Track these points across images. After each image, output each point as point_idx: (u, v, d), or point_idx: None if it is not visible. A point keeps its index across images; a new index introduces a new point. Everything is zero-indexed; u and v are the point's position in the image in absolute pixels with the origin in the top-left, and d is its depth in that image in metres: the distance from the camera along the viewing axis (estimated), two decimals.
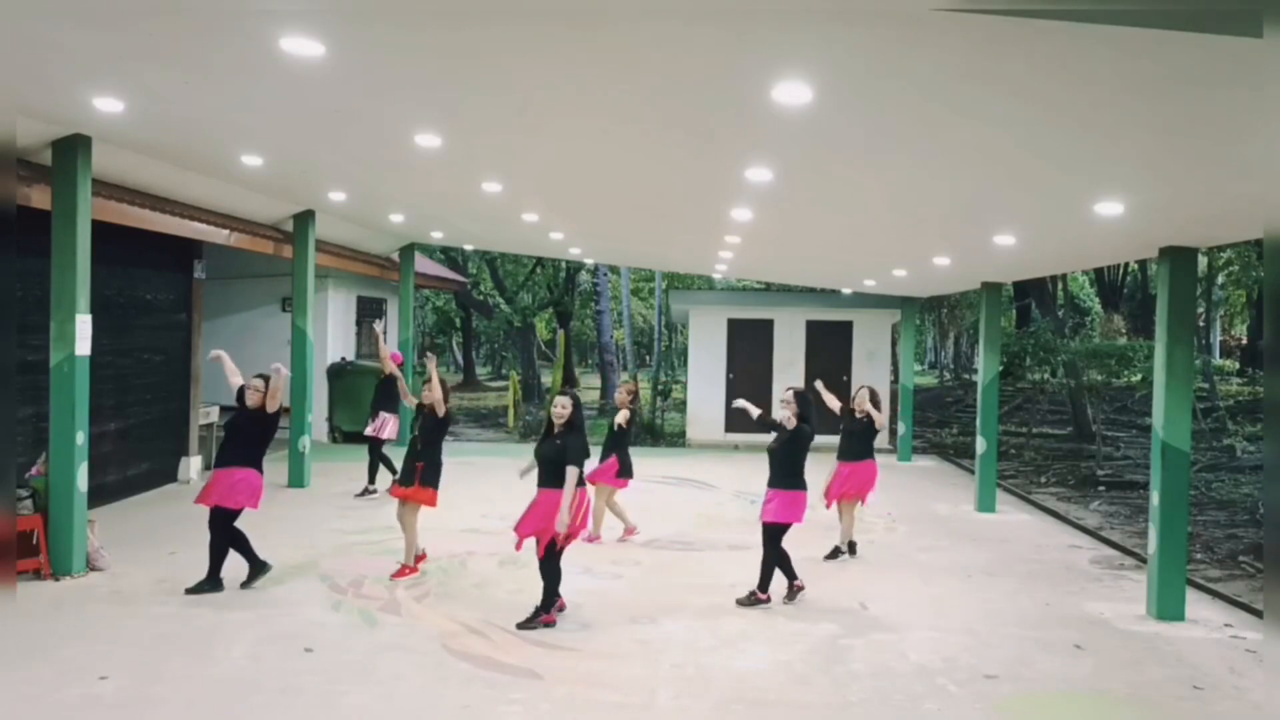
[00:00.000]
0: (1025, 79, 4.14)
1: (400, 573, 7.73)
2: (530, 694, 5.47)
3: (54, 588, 7.28)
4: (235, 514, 7.21)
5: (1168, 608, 7.34)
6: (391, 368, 10.88)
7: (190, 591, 7.10)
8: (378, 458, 11.48)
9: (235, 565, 7.28)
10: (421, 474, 7.59)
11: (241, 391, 7.42)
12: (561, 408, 6.74)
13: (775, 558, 7.35)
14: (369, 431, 11.52)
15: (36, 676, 5.49)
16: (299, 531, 9.28)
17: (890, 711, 5.39)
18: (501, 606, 7.12)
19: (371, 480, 11.47)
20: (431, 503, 7.70)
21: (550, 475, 6.65)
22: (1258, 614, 7.36)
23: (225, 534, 7.22)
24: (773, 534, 7.33)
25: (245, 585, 7.27)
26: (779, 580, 7.41)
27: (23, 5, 4.49)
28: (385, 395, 11.36)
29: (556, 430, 6.73)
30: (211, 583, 7.19)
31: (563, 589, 6.81)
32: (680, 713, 5.31)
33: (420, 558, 7.94)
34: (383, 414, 11.45)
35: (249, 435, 7.32)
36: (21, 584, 7.12)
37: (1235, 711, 5.58)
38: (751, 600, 7.28)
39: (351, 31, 4.60)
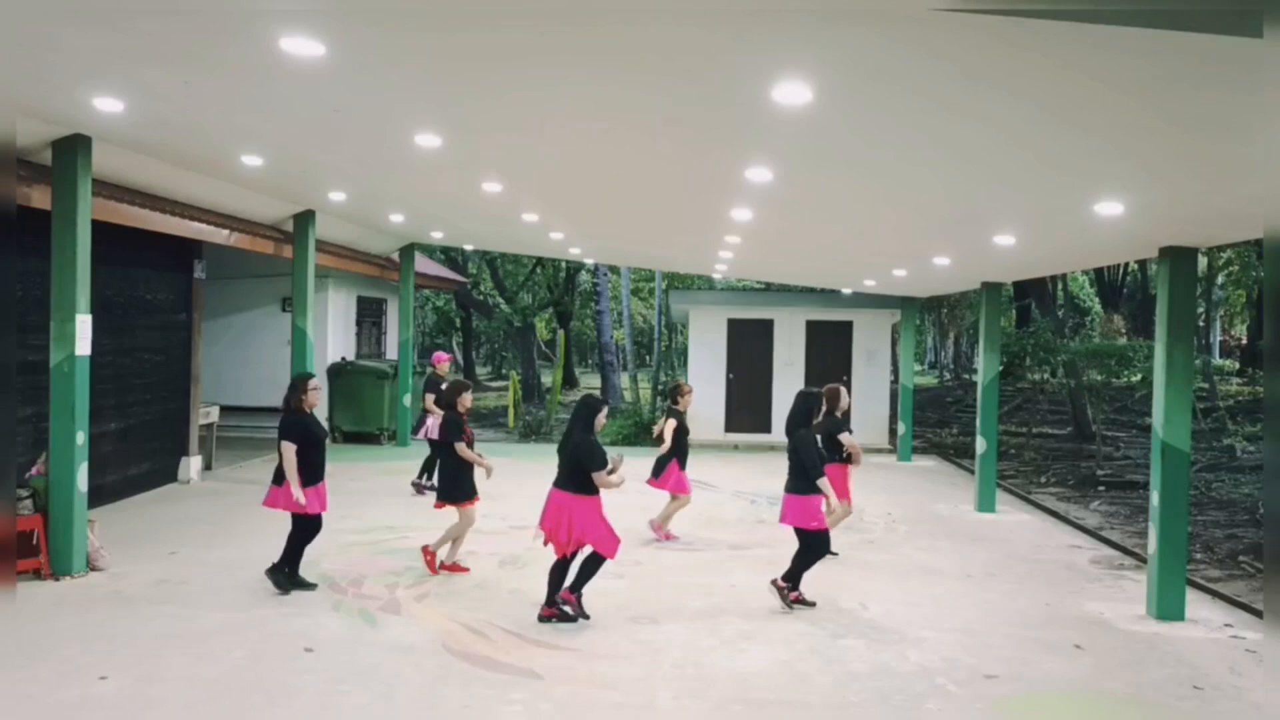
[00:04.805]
0: (1024, 79, 4.14)
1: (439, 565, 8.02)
2: (530, 694, 5.47)
3: (54, 588, 7.29)
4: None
5: (1168, 608, 7.34)
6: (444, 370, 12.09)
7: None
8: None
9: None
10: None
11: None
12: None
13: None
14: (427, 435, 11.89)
15: (36, 676, 5.50)
16: None
17: (890, 711, 5.39)
18: (501, 606, 7.12)
19: (430, 477, 11.79)
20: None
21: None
22: (1258, 614, 7.36)
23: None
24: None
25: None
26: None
27: (23, 5, 4.49)
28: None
29: None
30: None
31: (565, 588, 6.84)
32: (680, 713, 5.31)
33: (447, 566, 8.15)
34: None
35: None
36: (21, 584, 7.13)
37: (1235, 711, 5.58)
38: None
39: (351, 31, 4.60)
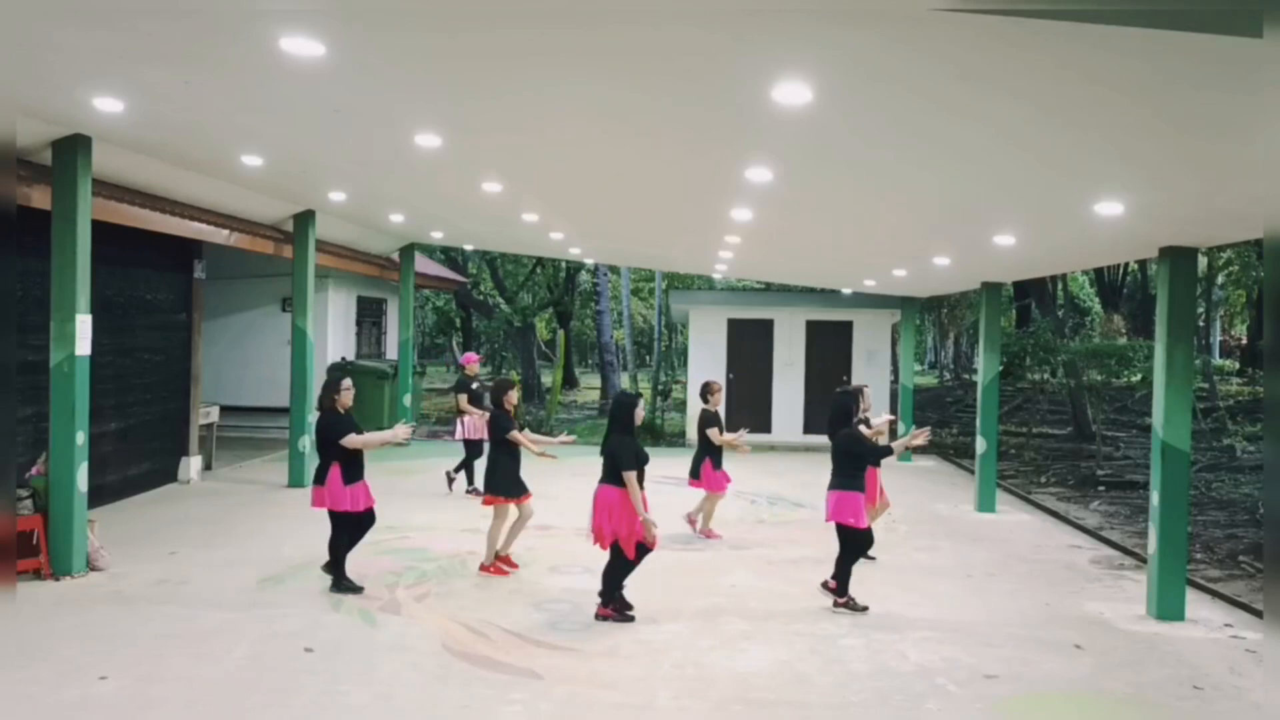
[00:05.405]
0: (1024, 79, 4.14)
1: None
2: (530, 694, 5.47)
3: (54, 588, 7.29)
4: None
5: (1168, 608, 7.34)
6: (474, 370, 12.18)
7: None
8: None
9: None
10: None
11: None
12: None
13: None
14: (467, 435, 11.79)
15: (36, 676, 5.50)
16: (299, 531, 9.27)
17: (890, 711, 5.39)
18: (501, 606, 7.12)
19: (470, 480, 11.71)
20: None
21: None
22: (1258, 614, 7.36)
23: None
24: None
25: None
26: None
27: (23, 5, 4.49)
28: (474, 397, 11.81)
29: None
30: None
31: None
32: (680, 713, 5.31)
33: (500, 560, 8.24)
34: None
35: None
36: (21, 584, 7.13)
37: (1235, 711, 5.58)
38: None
39: (351, 31, 4.60)
